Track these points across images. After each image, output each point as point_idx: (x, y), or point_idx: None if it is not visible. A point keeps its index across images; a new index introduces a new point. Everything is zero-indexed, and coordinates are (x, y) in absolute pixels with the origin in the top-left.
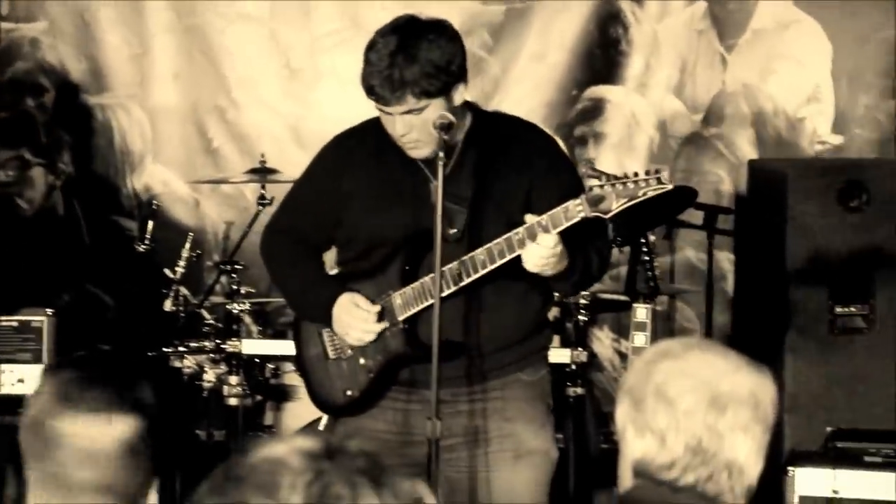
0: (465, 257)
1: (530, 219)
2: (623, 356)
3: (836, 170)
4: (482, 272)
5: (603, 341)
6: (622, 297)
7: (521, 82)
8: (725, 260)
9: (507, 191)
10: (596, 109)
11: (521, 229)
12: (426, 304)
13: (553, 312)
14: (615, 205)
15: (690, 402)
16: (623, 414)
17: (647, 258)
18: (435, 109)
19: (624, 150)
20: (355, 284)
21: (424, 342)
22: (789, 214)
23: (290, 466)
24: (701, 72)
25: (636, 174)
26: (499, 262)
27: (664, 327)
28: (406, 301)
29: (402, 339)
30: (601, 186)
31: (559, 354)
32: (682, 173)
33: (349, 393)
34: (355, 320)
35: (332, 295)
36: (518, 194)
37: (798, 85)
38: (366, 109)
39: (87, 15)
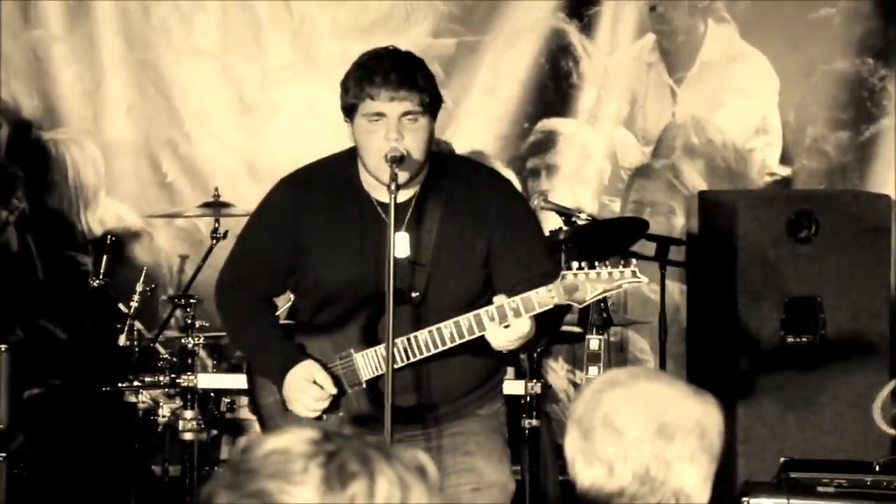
0: (431, 329)
1: (500, 300)
2: (577, 387)
3: (785, 200)
4: (448, 346)
5: (558, 372)
6: (576, 329)
7: (474, 115)
8: (678, 291)
9: (466, 247)
10: (548, 142)
11: (491, 308)
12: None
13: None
14: (589, 295)
15: (638, 430)
16: (572, 443)
17: None
18: (427, 127)
19: (576, 181)
20: (312, 339)
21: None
22: (740, 245)
23: (298, 452)
24: (651, 104)
25: (609, 265)
26: (466, 338)
27: (618, 358)
28: (368, 362)
29: (365, 400)
30: (575, 275)
31: (514, 386)
32: (634, 204)
33: None
34: (306, 397)
35: (288, 362)
36: (477, 250)
37: (746, 117)
38: (321, 143)
39: (39, 50)
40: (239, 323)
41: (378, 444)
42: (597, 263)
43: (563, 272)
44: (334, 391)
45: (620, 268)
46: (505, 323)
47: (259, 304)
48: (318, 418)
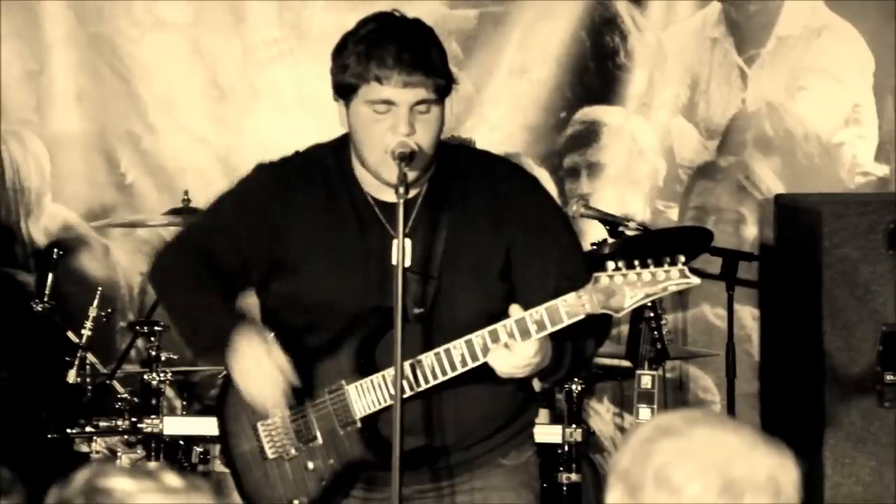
0: (438, 350)
1: (516, 311)
2: (626, 433)
3: (882, 206)
4: (460, 370)
5: (602, 416)
6: (624, 363)
7: (499, 102)
8: (749, 316)
9: (481, 255)
10: (590, 135)
11: (510, 322)
12: (389, 402)
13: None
14: (628, 301)
15: (698, 488)
16: (616, 503)
17: (652, 315)
18: (439, 116)
19: (624, 183)
20: (296, 370)
21: (387, 443)
22: (826, 261)
23: None
24: (716, 89)
25: (652, 263)
26: (482, 360)
27: (676, 398)
28: (363, 395)
29: (359, 441)
30: (611, 277)
31: (549, 432)
32: (695, 211)
33: (296, 502)
34: (264, 375)
35: (235, 326)
36: (494, 259)
37: (833, 104)
38: (312, 136)
39: None
40: (180, 290)
41: None
42: (636, 262)
43: (596, 274)
44: (292, 378)
45: (666, 266)
46: (528, 338)
47: (214, 279)
48: (305, 468)
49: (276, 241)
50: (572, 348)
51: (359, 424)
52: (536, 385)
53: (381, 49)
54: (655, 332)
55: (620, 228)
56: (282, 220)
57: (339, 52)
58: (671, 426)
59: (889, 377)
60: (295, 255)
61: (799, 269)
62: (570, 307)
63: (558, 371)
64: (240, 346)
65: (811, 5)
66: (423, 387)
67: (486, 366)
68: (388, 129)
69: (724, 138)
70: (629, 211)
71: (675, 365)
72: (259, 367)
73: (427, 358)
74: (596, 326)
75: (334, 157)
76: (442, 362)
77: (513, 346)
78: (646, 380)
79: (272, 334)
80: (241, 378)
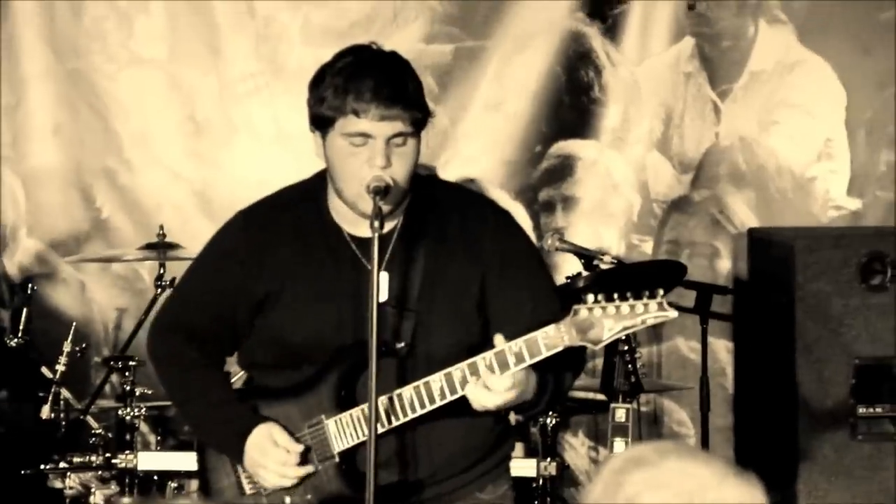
0: (418, 384)
1: (500, 341)
2: None
3: (854, 240)
4: (439, 403)
5: (577, 449)
6: (598, 396)
7: (474, 137)
8: (723, 349)
9: (457, 287)
10: (565, 169)
11: (489, 355)
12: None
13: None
14: (607, 334)
15: None
16: None
17: (626, 348)
18: (415, 149)
19: (599, 217)
20: (275, 405)
21: (365, 478)
22: (799, 294)
23: None
24: (689, 123)
25: (631, 295)
26: (461, 393)
27: (651, 432)
28: (342, 429)
29: (337, 477)
30: (590, 310)
31: (523, 466)
32: (669, 245)
33: None
34: (272, 462)
35: (245, 427)
36: (470, 291)
37: (806, 138)
38: (290, 171)
39: None
40: (179, 376)
41: None
42: (615, 295)
43: (575, 307)
44: (300, 449)
45: (644, 299)
46: (503, 372)
47: (209, 357)
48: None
49: (254, 284)
50: (553, 383)
51: (337, 459)
52: (512, 418)
53: (358, 82)
54: (630, 366)
55: (595, 262)
56: (256, 262)
57: (317, 83)
58: (642, 457)
59: (862, 410)
60: (272, 293)
61: (772, 303)
62: (550, 339)
63: (539, 404)
64: (249, 447)
65: (784, 41)
66: (402, 420)
67: (464, 398)
68: (364, 162)
69: (698, 172)
70: (604, 244)
71: (649, 398)
72: (266, 456)
73: (406, 391)
74: (572, 359)
75: (309, 196)
76: (421, 395)
77: (488, 380)
78: (620, 413)
79: (275, 424)
80: (253, 471)
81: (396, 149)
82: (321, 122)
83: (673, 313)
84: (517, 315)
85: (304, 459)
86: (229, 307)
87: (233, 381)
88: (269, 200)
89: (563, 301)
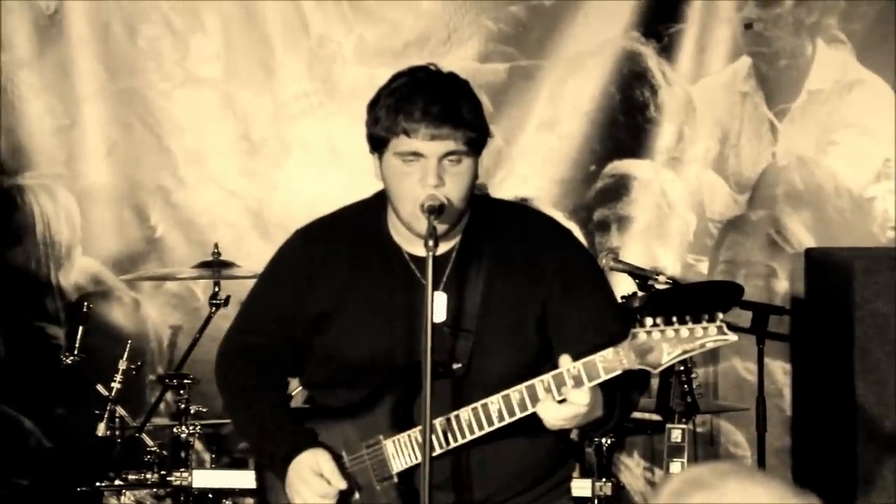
0: (476, 405)
1: (565, 361)
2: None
3: None
4: (497, 426)
5: (632, 470)
6: (654, 417)
7: (528, 156)
8: (780, 370)
9: (517, 308)
10: (619, 188)
11: (547, 377)
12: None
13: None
14: (665, 358)
15: None
16: None
17: (682, 368)
18: (471, 169)
19: (654, 237)
20: (334, 425)
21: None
22: (858, 315)
23: None
24: (746, 143)
25: (690, 319)
26: (518, 415)
27: (706, 453)
28: (401, 450)
29: (396, 497)
30: (648, 333)
31: (579, 486)
32: (725, 265)
33: None
34: (309, 492)
35: (291, 451)
36: (531, 312)
37: (865, 158)
38: (343, 190)
39: (2, 78)
40: (241, 399)
41: None
42: (674, 318)
43: (634, 330)
44: (343, 486)
45: (704, 323)
46: (560, 396)
47: (268, 379)
48: None
49: (313, 302)
50: (621, 404)
51: (395, 479)
52: (573, 435)
53: (409, 103)
54: (686, 386)
55: (650, 282)
56: (315, 280)
57: (373, 105)
58: (701, 479)
59: None
60: (330, 311)
61: (831, 324)
62: (608, 363)
63: (609, 421)
64: (291, 472)
65: (842, 60)
66: (460, 442)
67: (523, 419)
68: (417, 182)
69: (755, 192)
70: (659, 265)
71: (705, 419)
72: (305, 484)
73: (464, 413)
74: (637, 377)
75: (368, 214)
76: (479, 417)
77: (569, 394)
78: (676, 434)
79: (324, 452)
80: (291, 497)
81: (451, 168)
82: (377, 143)
83: (733, 337)
84: (580, 335)
85: (349, 494)
86: (290, 327)
87: (293, 394)
88: (328, 218)
89: (625, 322)
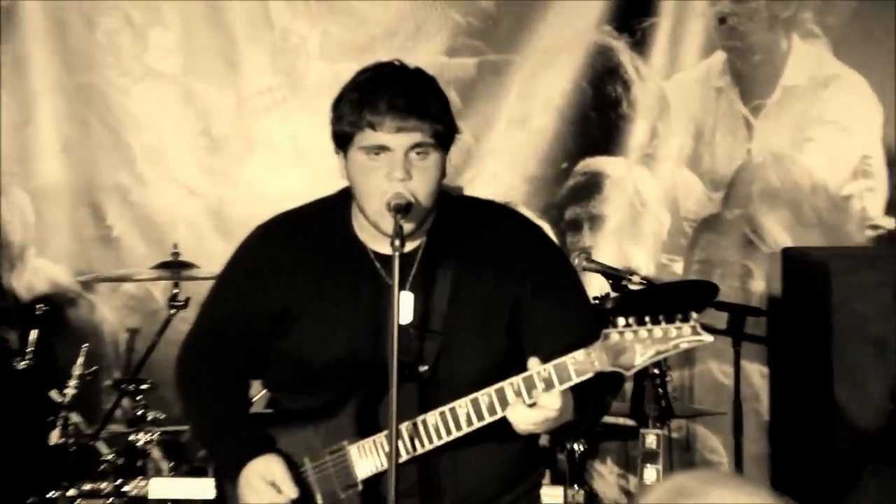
0: (443, 409)
1: (534, 364)
2: (631, 495)
3: (892, 260)
4: (465, 430)
5: (606, 477)
6: (628, 422)
7: (498, 153)
8: (757, 373)
9: (486, 309)
10: (592, 186)
11: (516, 380)
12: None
13: (541, 440)
14: (639, 359)
15: None
16: None
17: (657, 372)
18: (438, 163)
19: (627, 236)
20: (296, 430)
21: None
22: (836, 316)
23: None
24: (721, 139)
25: (663, 319)
26: (488, 419)
27: (682, 459)
28: (365, 456)
29: None
30: (621, 334)
31: (550, 494)
32: (700, 265)
33: None
34: (259, 499)
35: (245, 456)
36: (500, 313)
37: (842, 155)
38: (308, 188)
39: None
40: (198, 403)
41: None
42: (647, 319)
43: (606, 331)
44: (294, 495)
45: (678, 323)
46: (531, 399)
47: (227, 383)
48: None
49: (273, 301)
50: (593, 406)
51: (360, 487)
52: (542, 441)
53: (375, 96)
54: (660, 390)
55: (624, 282)
56: (276, 278)
57: (337, 103)
58: (686, 487)
59: None
60: (291, 312)
61: (808, 325)
62: (579, 365)
63: (580, 425)
64: (243, 479)
65: (817, 55)
66: (427, 447)
67: (490, 424)
68: (383, 176)
69: (730, 190)
70: (632, 264)
71: (680, 424)
72: (254, 492)
73: (431, 417)
74: (609, 380)
75: (332, 211)
76: (447, 421)
77: (540, 398)
78: (650, 439)
79: (278, 459)
80: (241, 498)
81: (417, 162)
82: (341, 140)
83: (708, 338)
84: (553, 336)
85: (309, 502)
86: (251, 329)
87: (253, 399)
88: (290, 215)
89: (599, 323)
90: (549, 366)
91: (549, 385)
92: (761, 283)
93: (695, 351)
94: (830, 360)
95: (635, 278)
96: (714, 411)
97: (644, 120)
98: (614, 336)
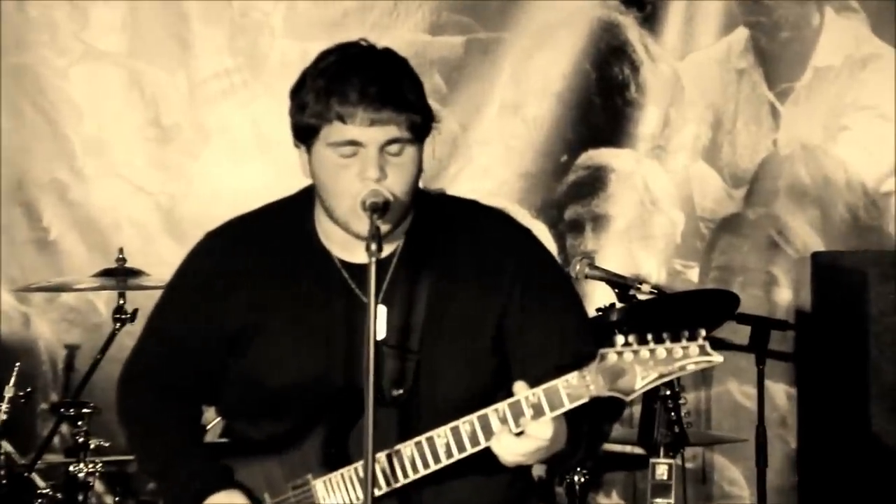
0: (420, 439)
1: (520, 389)
2: None
3: None
4: (445, 463)
5: None
6: (635, 450)
7: (489, 144)
8: (783, 395)
9: (468, 324)
10: (595, 182)
11: (502, 406)
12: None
13: (537, 470)
14: (639, 383)
15: None
16: None
17: (668, 393)
18: (415, 158)
19: (635, 239)
20: (254, 462)
21: None
22: (873, 330)
23: None
24: (742, 128)
25: (668, 337)
26: (469, 451)
27: (697, 493)
28: (332, 491)
29: None
30: (619, 354)
31: None
32: (719, 271)
33: None
34: None
35: (203, 490)
36: (484, 329)
37: (880, 146)
38: (271, 184)
39: None
40: (144, 433)
41: None
42: (649, 337)
43: (602, 351)
44: None
45: (683, 342)
46: (518, 428)
47: (176, 409)
48: None
49: (228, 318)
50: (589, 430)
51: None
52: (535, 473)
53: (343, 83)
54: (673, 414)
55: (631, 292)
56: (229, 293)
57: (298, 89)
58: None
59: None
60: (248, 329)
61: (841, 340)
62: (573, 389)
63: (574, 455)
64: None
65: (854, 31)
66: (401, 482)
67: (475, 454)
68: (355, 176)
69: (753, 186)
70: (641, 271)
71: (696, 452)
72: None
73: (406, 448)
74: (608, 406)
75: (293, 213)
76: (424, 453)
77: (528, 427)
78: (661, 470)
79: (240, 494)
80: None
81: (392, 158)
82: (305, 134)
83: (718, 358)
84: (543, 355)
85: None
86: (203, 349)
87: (207, 427)
88: (246, 219)
89: (595, 339)
90: (539, 390)
91: (538, 412)
92: (788, 293)
93: (712, 370)
94: (866, 380)
95: (644, 287)
96: (734, 438)
97: (655, 106)
98: (612, 356)
